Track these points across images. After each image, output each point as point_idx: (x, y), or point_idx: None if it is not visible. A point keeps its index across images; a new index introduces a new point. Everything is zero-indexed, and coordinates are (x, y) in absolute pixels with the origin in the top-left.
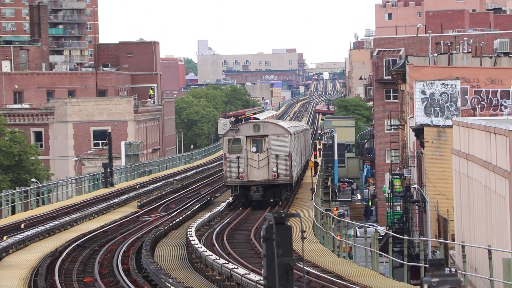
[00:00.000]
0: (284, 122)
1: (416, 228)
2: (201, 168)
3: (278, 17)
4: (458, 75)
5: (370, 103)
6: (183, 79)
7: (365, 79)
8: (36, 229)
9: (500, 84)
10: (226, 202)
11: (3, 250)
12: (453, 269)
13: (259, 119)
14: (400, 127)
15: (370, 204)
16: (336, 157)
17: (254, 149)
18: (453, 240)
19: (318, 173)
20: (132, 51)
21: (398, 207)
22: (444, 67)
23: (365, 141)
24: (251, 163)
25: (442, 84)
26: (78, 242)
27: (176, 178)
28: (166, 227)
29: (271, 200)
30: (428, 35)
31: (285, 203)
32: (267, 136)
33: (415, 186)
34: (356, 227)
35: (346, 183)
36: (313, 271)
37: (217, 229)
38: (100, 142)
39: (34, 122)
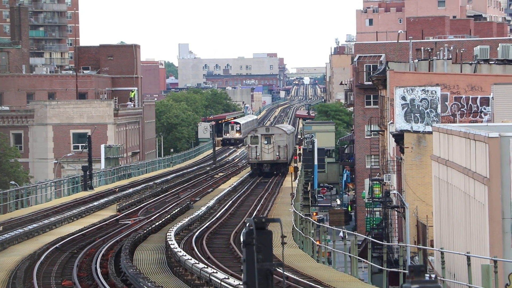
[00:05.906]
0: (283, 126)
1: (395, 233)
2: (181, 172)
3: (259, 21)
4: (439, 82)
5: (351, 109)
6: (163, 83)
7: (346, 84)
8: (14, 231)
9: (480, 91)
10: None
11: None
12: (433, 276)
13: (239, 123)
14: (380, 132)
15: (349, 209)
16: (316, 162)
17: (266, 141)
18: (432, 246)
19: (298, 178)
20: (112, 54)
21: (377, 213)
22: (425, 73)
23: (345, 146)
24: (263, 150)
25: (423, 90)
26: (57, 245)
27: (155, 181)
28: (145, 231)
29: (275, 172)
30: (408, 41)
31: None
32: (273, 134)
33: (395, 191)
34: (343, 232)
35: (325, 188)
36: (293, 276)
37: (196, 233)
38: (79, 145)
39: (13, 124)
